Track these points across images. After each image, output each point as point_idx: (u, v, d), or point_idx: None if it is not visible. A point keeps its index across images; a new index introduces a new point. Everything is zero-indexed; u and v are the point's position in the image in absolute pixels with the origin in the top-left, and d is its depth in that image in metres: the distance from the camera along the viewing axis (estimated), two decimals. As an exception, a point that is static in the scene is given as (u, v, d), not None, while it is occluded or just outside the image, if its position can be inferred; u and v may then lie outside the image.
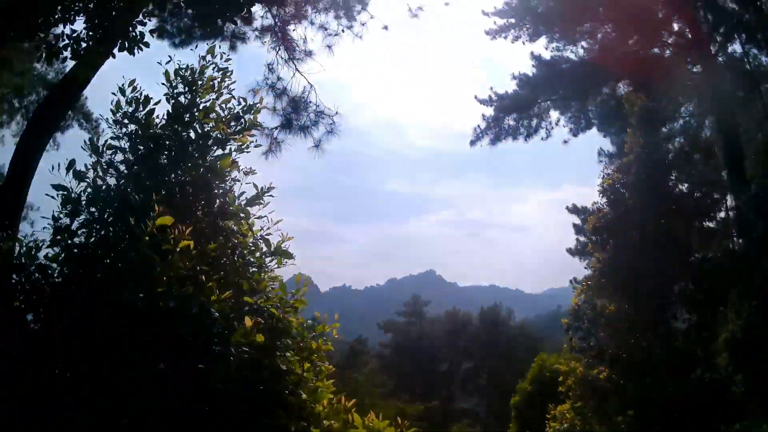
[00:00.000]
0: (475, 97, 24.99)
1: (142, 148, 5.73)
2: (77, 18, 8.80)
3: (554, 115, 25.88)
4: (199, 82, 6.12)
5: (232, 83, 6.54)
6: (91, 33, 8.82)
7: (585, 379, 12.49)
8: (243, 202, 5.98)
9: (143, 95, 5.94)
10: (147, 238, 4.55)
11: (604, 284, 12.48)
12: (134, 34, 8.92)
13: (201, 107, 5.99)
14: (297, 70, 13.61)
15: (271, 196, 6.03)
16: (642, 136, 13.41)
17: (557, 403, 13.55)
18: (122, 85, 5.91)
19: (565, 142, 24.04)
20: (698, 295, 11.96)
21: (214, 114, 6.18)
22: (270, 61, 13.67)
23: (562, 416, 13.37)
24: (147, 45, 8.94)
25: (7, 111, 13.19)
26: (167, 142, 5.79)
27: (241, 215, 5.94)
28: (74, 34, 8.98)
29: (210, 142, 5.82)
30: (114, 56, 9.28)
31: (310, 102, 13.63)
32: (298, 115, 13.31)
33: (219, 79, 6.40)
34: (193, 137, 5.71)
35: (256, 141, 7.40)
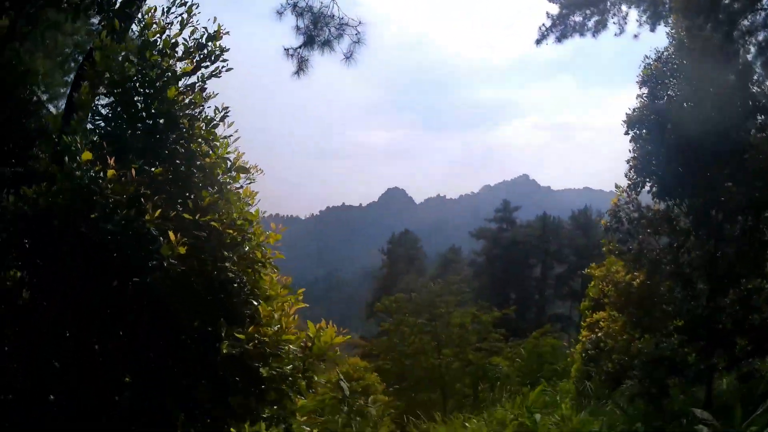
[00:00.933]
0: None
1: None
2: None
3: (625, 8, 23.64)
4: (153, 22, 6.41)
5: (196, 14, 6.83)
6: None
7: (620, 284, 12.09)
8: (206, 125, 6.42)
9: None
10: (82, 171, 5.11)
11: (639, 182, 11.73)
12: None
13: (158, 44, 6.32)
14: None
15: (226, 116, 6.46)
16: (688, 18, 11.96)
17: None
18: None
19: (635, 36, 22.12)
20: (753, 193, 10.77)
21: (178, 48, 6.57)
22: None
23: (595, 324, 13.00)
24: None
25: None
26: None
27: (206, 138, 6.38)
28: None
29: (165, 77, 6.18)
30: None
31: (333, 16, 13.45)
32: (318, 30, 13.26)
33: (184, 14, 6.71)
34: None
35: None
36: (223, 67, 6.97)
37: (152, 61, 6.07)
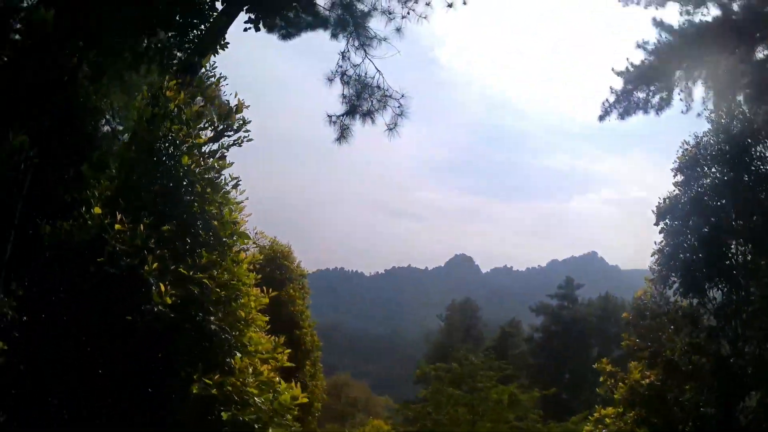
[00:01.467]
0: (612, 69, 23.76)
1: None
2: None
3: (690, 85, 23.45)
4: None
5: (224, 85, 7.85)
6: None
7: (628, 381, 11.69)
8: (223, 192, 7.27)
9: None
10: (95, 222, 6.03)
11: (665, 275, 11.48)
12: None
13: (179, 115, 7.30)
14: (366, 56, 14.43)
15: (237, 184, 7.31)
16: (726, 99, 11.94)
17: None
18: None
19: (699, 115, 21.85)
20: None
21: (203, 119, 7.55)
22: (342, 49, 14.55)
23: (601, 420, 12.43)
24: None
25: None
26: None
27: (220, 202, 7.22)
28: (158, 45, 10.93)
29: (184, 147, 7.11)
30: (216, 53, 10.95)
31: (378, 87, 14.39)
32: (360, 101, 14.22)
33: (212, 84, 7.73)
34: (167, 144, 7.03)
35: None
36: (244, 137, 7.90)
37: (174, 130, 7.00)
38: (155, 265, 5.93)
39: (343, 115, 14.35)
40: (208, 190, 7.03)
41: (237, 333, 6.33)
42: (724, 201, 11.73)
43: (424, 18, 14.35)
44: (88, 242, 6.05)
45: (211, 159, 7.39)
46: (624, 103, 23.88)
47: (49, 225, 6.56)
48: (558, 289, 59.65)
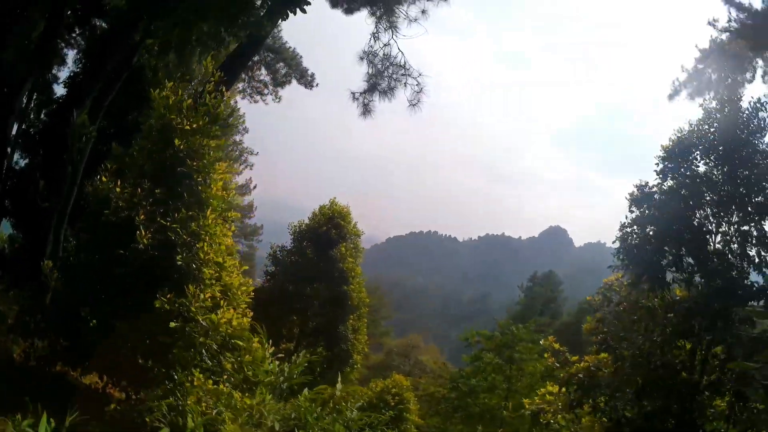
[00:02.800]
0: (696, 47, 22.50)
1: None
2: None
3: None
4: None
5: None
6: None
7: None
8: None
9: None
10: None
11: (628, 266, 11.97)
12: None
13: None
14: (393, 38, 16.28)
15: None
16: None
17: None
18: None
19: None
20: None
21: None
22: (374, 30, 16.46)
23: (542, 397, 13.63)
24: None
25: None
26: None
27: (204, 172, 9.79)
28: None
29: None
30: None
31: (399, 66, 16.22)
32: (380, 79, 16.18)
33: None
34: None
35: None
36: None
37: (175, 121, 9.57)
38: (142, 216, 8.62)
39: (364, 93, 16.46)
40: (195, 164, 9.57)
41: (196, 268, 8.86)
42: (709, 194, 11.87)
43: None
44: (102, 199, 8.84)
45: (205, 140, 9.86)
46: (694, 83, 22.45)
47: (91, 186, 9.46)
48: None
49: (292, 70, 28.98)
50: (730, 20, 19.77)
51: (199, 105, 9.81)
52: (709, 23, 20.42)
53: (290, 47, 28.84)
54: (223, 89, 10.45)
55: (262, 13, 13.40)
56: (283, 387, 13.68)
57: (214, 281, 9.09)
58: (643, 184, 12.32)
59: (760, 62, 21.20)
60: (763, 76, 21.16)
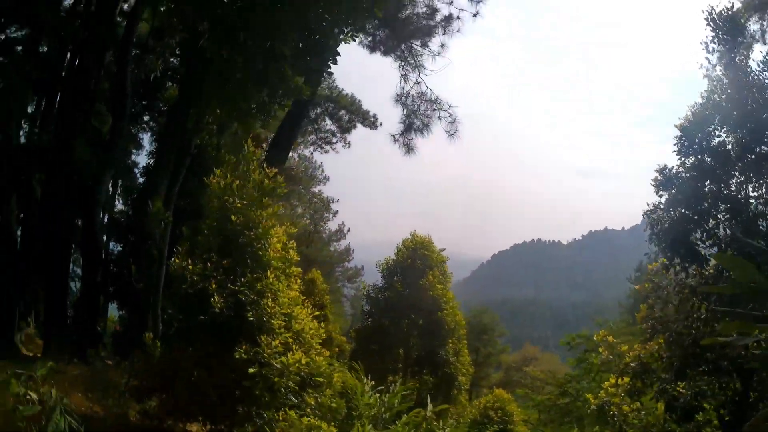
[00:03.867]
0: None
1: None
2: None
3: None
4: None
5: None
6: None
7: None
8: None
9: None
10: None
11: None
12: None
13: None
14: (419, 79, 17.56)
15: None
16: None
17: None
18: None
19: None
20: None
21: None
22: (402, 72, 17.84)
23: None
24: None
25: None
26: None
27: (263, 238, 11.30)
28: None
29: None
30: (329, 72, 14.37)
31: (431, 101, 17.43)
32: (415, 118, 17.41)
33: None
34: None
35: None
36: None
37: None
38: (213, 285, 10.20)
39: (403, 132, 17.77)
40: (252, 233, 11.09)
41: (266, 320, 10.27)
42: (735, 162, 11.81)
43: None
44: (179, 277, 10.53)
45: (258, 211, 11.39)
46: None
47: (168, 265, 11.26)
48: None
49: (354, 114, 30.83)
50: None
51: (245, 182, 11.39)
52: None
53: (347, 94, 30.79)
54: (264, 164, 12.03)
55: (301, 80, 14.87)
56: (386, 416, 14.87)
57: (283, 330, 10.46)
58: (662, 167, 12.43)
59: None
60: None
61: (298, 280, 11.85)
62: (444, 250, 24.70)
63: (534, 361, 54.47)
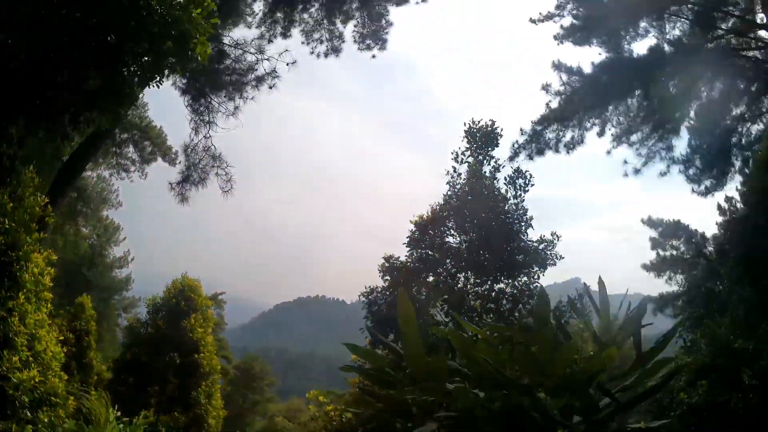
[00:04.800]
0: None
1: None
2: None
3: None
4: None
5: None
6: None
7: None
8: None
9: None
10: None
11: None
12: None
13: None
14: (209, 134, 19.22)
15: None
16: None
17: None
18: None
19: (608, 152, 24.05)
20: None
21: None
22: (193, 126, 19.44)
23: None
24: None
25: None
26: None
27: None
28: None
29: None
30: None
31: (212, 158, 19.17)
32: (194, 171, 19.11)
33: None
34: None
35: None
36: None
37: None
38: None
39: (179, 183, 19.33)
40: (14, 254, 11.88)
41: (11, 337, 11.09)
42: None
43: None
44: None
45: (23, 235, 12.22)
46: (534, 144, 23.50)
47: None
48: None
49: (157, 148, 30.89)
50: (562, 84, 22.86)
51: (18, 206, 12.21)
52: (543, 88, 23.38)
53: (156, 126, 30.97)
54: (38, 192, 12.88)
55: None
56: (126, 447, 15.67)
57: (25, 348, 11.34)
58: (389, 256, 14.48)
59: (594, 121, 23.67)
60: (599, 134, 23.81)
61: (49, 305, 12.68)
62: (224, 293, 25.79)
63: (299, 413, 56.45)
